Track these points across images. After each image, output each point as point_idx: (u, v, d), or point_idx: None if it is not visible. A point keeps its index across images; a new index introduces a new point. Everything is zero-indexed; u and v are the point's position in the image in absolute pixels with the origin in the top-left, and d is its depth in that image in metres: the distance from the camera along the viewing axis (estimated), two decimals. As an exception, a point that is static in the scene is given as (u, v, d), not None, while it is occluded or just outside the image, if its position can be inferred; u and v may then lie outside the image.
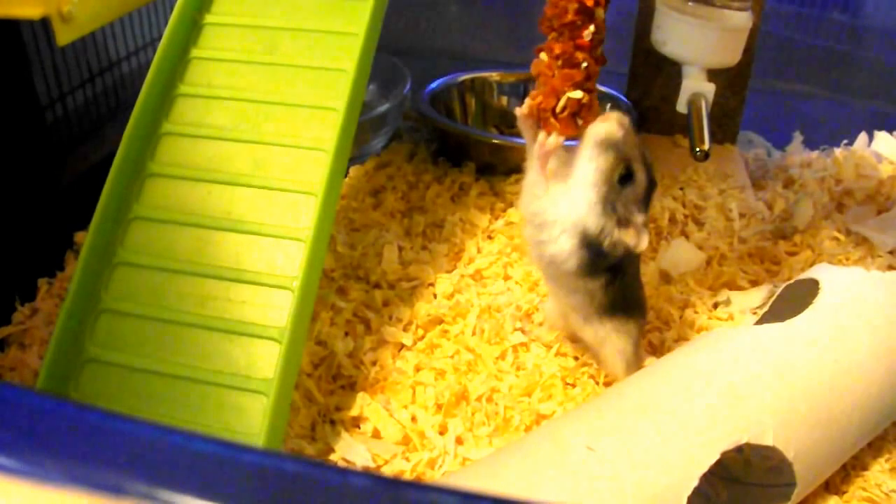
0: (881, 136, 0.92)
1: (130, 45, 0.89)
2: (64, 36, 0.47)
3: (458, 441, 0.54)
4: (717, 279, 0.70)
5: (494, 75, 0.96)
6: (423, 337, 0.63)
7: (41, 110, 0.74)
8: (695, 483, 0.42)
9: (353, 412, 0.56)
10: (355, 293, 0.66)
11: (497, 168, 0.84)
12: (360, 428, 0.56)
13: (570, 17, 0.49)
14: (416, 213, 0.78)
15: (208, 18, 0.60)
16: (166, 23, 0.59)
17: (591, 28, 0.49)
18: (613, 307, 0.55)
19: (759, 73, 0.89)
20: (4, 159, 0.68)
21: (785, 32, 1.09)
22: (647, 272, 0.69)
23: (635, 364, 0.57)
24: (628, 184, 0.49)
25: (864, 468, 0.54)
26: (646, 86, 0.89)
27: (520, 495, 0.42)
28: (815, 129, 0.95)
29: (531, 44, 0.53)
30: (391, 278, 0.68)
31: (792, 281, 0.60)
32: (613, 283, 0.54)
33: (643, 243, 0.50)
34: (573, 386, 0.59)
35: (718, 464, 0.43)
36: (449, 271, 0.70)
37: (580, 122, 0.51)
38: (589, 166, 0.50)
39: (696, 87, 0.60)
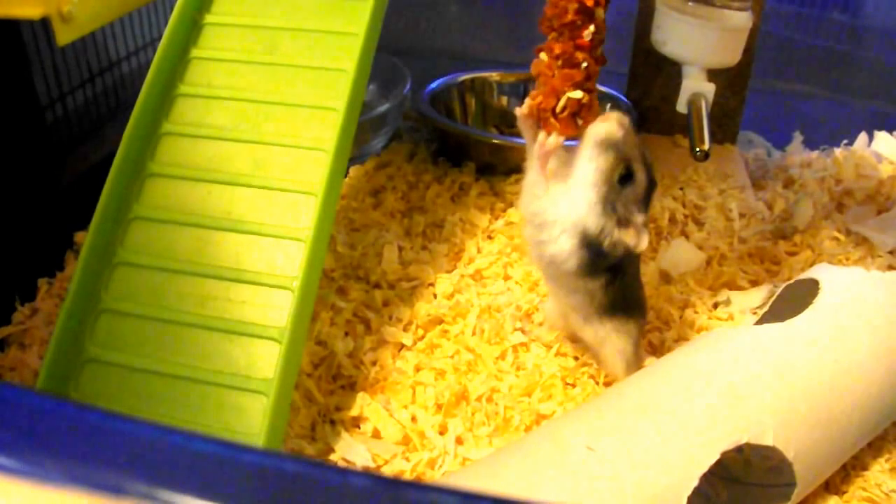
0: (881, 136, 0.92)
1: (130, 45, 0.89)
2: (64, 36, 0.47)
3: (458, 441, 0.54)
4: (717, 279, 0.70)
5: (494, 75, 0.96)
6: (423, 337, 0.63)
7: (41, 110, 0.74)
8: (695, 483, 0.42)
9: (353, 412, 0.56)
10: (355, 293, 0.66)
11: (497, 168, 0.84)
12: (360, 428, 0.56)
13: (570, 17, 0.49)
14: (416, 213, 0.78)
15: (208, 18, 0.60)
16: (166, 23, 0.59)
17: (591, 28, 0.49)
18: (613, 307, 0.55)
19: (759, 73, 0.89)
20: (4, 159, 0.68)
21: (785, 32, 1.09)
22: (647, 272, 0.69)
23: (635, 364, 0.57)
24: (628, 184, 0.49)
25: (864, 468, 0.54)
26: (646, 86, 0.89)
27: (520, 495, 0.42)
28: (815, 129, 0.95)
29: (531, 44, 0.53)
30: (391, 278, 0.68)
31: (792, 281, 0.60)
32: (613, 283, 0.54)
33: (643, 243, 0.50)
34: (573, 386, 0.59)
35: (718, 464, 0.43)
36: (449, 271, 0.70)
37: (580, 122, 0.51)
38: (589, 166, 0.50)
39: (696, 87, 0.60)
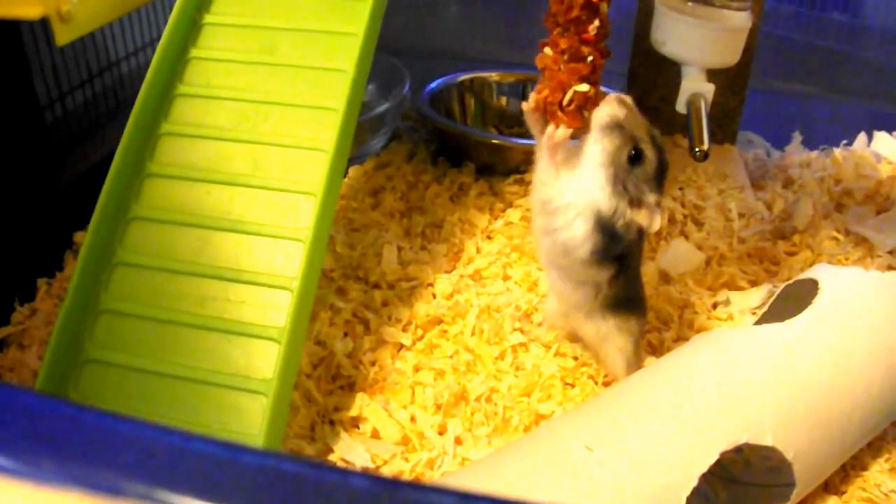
0: (880, 136, 0.92)
1: (130, 45, 0.89)
2: (63, 36, 0.47)
3: (458, 441, 0.54)
4: (717, 279, 0.70)
5: (494, 75, 0.96)
6: (422, 337, 0.63)
7: (40, 110, 0.74)
8: (694, 483, 0.42)
9: (353, 412, 0.56)
10: (354, 293, 0.66)
11: (496, 168, 0.84)
12: (359, 428, 0.56)
13: (575, 12, 0.49)
14: (416, 214, 0.78)
15: (208, 18, 0.60)
16: (166, 23, 0.59)
17: (596, 23, 0.50)
18: (617, 303, 0.55)
19: (759, 73, 0.89)
20: (4, 159, 0.68)
21: (785, 32, 1.09)
22: (647, 272, 0.69)
23: (635, 363, 0.57)
24: (637, 163, 0.50)
25: (864, 468, 0.54)
26: (646, 86, 0.89)
27: (519, 496, 0.42)
28: (814, 129, 0.95)
29: (531, 44, 0.53)
30: (390, 278, 0.68)
31: (791, 281, 0.60)
32: (619, 276, 0.54)
33: (656, 223, 0.51)
34: (572, 386, 0.59)
35: (718, 464, 0.43)
36: (448, 271, 0.70)
37: (586, 114, 0.51)
38: (596, 148, 0.50)
39: (695, 88, 0.59)
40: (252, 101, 0.57)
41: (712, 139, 0.60)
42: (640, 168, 0.50)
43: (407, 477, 0.52)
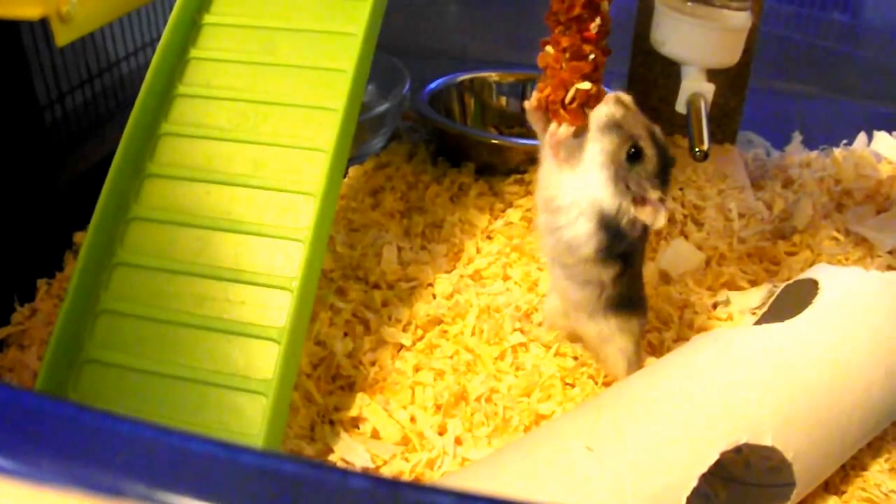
0: (880, 136, 0.92)
1: (130, 46, 0.89)
2: (63, 36, 0.47)
3: (458, 441, 0.54)
4: (717, 279, 0.70)
5: (493, 75, 0.96)
6: (422, 337, 0.63)
7: (40, 111, 0.74)
8: (694, 483, 0.42)
9: (353, 413, 0.56)
10: (354, 293, 0.66)
11: (496, 168, 0.84)
12: (359, 428, 0.56)
13: (577, 10, 0.49)
14: (416, 214, 0.78)
15: (207, 19, 0.60)
16: (166, 23, 0.59)
17: (598, 21, 0.50)
18: (619, 302, 0.55)
19: (759, 73, 0.89)
20: (4, 159, 0.68)
21: (785, 32, 1.09)
22: (647, 272, 0.69)
23: (636, 364, 0.57)
24: (637, 161, 0.50)
25: (864, 468, 0.54)
26: (646, 86, 0.89)
27: (519, 496, 0.42)
28: (814, 129, 0.95)
29: (531, 44, 0.53)
30: (390, 279, 0.68)
31: (791, 281, 0.60)
32: (623, 274, 0.54)
33: (661, 220, 0.51)
34: (572, 386, 0.59)
35: (718, 464, 0.43)
36: (448, 272, 0.70)
37: (588, 112, 0.51)
38: (595, 148, 0.50)
39: (695, 88, 0.60)
40: (252, 101, 0.57)
41: (712, 139, 0.60)
42: (640, 166, 0.50)
43: (407, 477, 0.52)
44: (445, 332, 0.64)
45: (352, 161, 0.84)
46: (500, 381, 0.59)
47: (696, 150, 0.57)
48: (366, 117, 0.83)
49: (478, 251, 0.73)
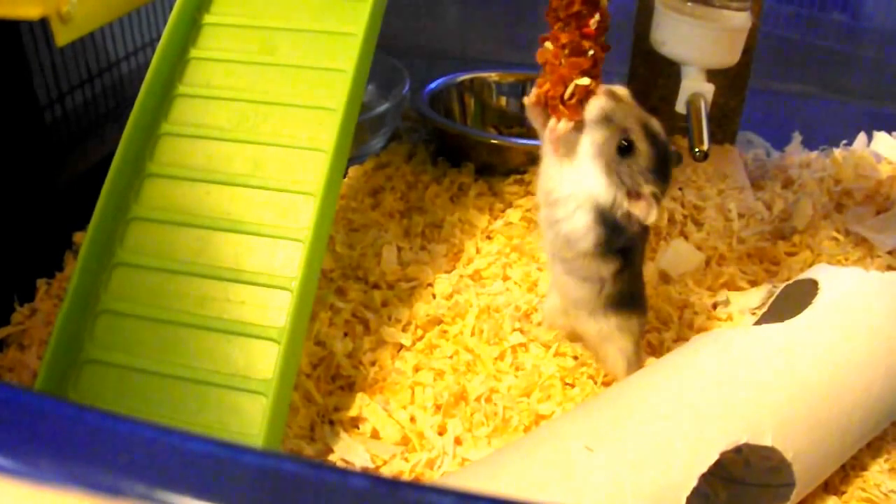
0: (880, 137, 0.92)
1: (130, 45, 0.89)
2: (63, 36, 0.47)
3: (457, 441, 0.54)
4: (717, 279, 0.70)
5: (493, 75, 0.96)
6: (422, 337, 0.63)
7: (40, 110, 0.74)
8: (694, 483, 0.42)
9: (352, 413, 0.56)
10: (354, 293, 0.66)
11: (496, 168, 0.84)
12: (358, 428, 0.56)
13: (576, 7, 0.49)
14: (415, 214, 0.78)
15: (207, 19, 0.60)
16: (166, 23, 0.59)
17: (597, 17, 0.50)
18: (619, 300, 0.56)
19: (759, 73, 0.89)
20: (4, 159, 0.68)
21: (785, 32, 1.09)
22: (647, 272, 0.69)
23: (636, 363, 0.57)
24: (628, 155, 0.50)
25: (864, 468, 0.54)
26: (646, 86, 0.89)
27: (518, 496, 0.42)
28: (814, 129, 0.94)
29: (530, 44, 0.53)
30: (390, 279, 0.68)
31: (791, 281, 0.60)
32: (623, 271, 0.54)
33: (653, 215, 0.51)
34: (572, 386, 0.59)
35: (717, 464, 0.43)
36: (448, 272, 0.70)
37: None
38: (587, 141, 0.51)
39: (695, 88, 0.60)
40: (252, 101, 0.57)
41: (712, 139, 0.60)
42: (632, 159, 0.50)
43: (407, 477, 0.52)
44: (445, 332, 0.64)
45: (352, 161, 0.84)
46: (499, 381, 0.59)
47: (696, 150, 0.57)
48: (366, 117, 0.84)
49: (477, 251, 0.73)
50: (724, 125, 0.90)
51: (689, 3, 0.60)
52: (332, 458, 0.53)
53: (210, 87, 0.58)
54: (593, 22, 0.50)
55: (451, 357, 0.61)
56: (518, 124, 0.94)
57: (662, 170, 0.51)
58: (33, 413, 0.23)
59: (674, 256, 0.72)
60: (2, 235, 0.66)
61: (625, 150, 0.50)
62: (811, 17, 1.08)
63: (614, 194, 0.50)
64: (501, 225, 0.76)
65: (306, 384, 0.57)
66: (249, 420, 0.48)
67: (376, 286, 0.68)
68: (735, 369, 0.48)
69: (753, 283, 0.70)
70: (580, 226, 0.52)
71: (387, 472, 0.52)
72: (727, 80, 0.85)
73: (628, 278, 0.55)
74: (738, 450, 0.46)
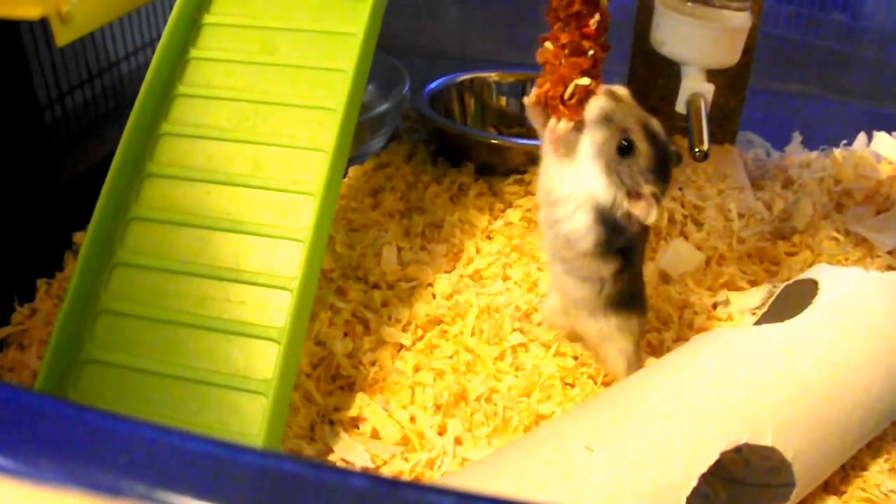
0: (880, 137, 0.92)
1: (130, 45, 0.89)
2: (63, 36, 0.47)
3: (457, 441, 0.54)
4: (717, 279, 0.70)
5: (493, 75, 0.96)
6: (422, 337, 0.63)
7: (40, 110, 0.74)
8: (694, 483, 0.42)
9: (352, 413, 0.56)
10: (354, 293, 0.66)
11: (496, 168, 0.84)
12: (358, 428, 0.56)
13: (576, 7, 0.49)
14: (415, 214, 0.78)
15: (207, 19, 0.60)
16: (166, 23, 0.59)
17: (597, 17, 0.50)
18: (620, 300, 0.56)
19: (759, 73, 0.89)
20: (4, 159, 0.68)
21: (785, 32, 1.09)
22: (647, 272, 0.69)
23: (636, 363, 0.57)
24: (628, 155, 0.50)
25: (864, 468, 0.54)
26: (646, 86, 0.89)
27: (518, 496, 0.42)
28: (814, 129, 0.94)
29: (530, 44, 0.53)
30: (390, 279, 0.68)
31: (791, 281, 0.60)
32: (623, 271, 0.54)
33: (653, 215, 0.51)
34: (572, 386, 0.59)
35: (717, 464, 0.43)
36: (448, 272, 0.70)
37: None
38: (586, 140, 0.51)
39: (695, 88, 0.60)
40: (252, 101, 0.57)
41: (712, 139, 0.60)
42: (631, 159, 0.50)
43: (407, 477, 0.52)
44: (445, 332, 0.64)
45: (352, 161, 0.84)
46: (499, 381, 0.59)
47: (696, 150, 0.57)
48: (366, 117, 0.84)
49: (477, 251, 0.73)
50: (724, 125, 0.90)
51: (689, 3, 0.60)
52: (332, 458, 0.53)
53: (210, 87, 0.58)
54: (593, 22, 0.50)
55: (451, 357, 0.61)
56: (518, 124, 0.94)
57: (662, 170, 0.51)
58: (33, 413, 0.23)
59: (674, 256, 0.72)
60: (2, 235, 0.66)
61: (625, 150, 0.50)
62: (811, 17, 1.08)
63: (614, 194, 0.50)
64: (501, 225, 0.76)
65: (306, 384, 0.57)
66: (249, 420, 0.48)
67: (376, 286, 0.68)
68: (735, 369, 0.48)
69: (753, 283, 0.70)
70: (580, 226, 0.52)
71: (387, 472, 0.52)
72: (727, 80, 0.85)
73: (628, 278, 0.55)
74: (738, 450, 0.46)
